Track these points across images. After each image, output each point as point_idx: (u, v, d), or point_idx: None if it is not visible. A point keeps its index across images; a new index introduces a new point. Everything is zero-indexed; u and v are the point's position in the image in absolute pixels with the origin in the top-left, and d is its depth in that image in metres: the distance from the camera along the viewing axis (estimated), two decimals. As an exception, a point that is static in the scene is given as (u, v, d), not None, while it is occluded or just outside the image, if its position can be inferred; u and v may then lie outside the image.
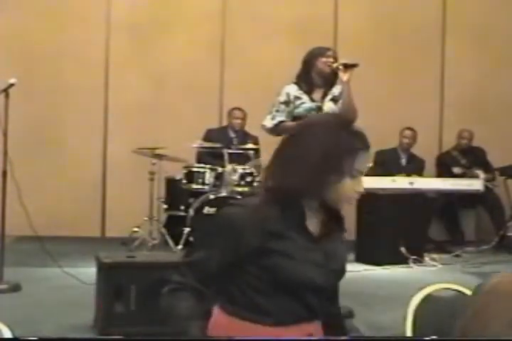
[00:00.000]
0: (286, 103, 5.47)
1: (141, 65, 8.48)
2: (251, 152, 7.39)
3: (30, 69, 8.21)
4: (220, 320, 2.15)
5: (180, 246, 6.96)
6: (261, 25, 8.59)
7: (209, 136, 7.76)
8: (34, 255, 6.43)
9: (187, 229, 7.01)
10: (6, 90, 5.47)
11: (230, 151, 7.30)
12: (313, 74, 5.47)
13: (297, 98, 5.45)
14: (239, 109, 7.87)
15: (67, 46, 8.37)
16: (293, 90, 5.49)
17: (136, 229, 7.38)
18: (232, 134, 7.83)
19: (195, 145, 7.47)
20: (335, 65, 5.36)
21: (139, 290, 4.31)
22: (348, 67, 5.33)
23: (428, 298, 2.66)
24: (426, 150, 8.38)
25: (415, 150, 8.29)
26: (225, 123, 8.26)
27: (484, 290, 1.55)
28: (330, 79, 5.45)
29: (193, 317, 2.08)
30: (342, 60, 5.39)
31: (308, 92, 5.47)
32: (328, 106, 5.45)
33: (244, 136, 7.75)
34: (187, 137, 7.49)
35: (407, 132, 8.26)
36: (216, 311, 2.18)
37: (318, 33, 8.47)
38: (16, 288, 5.42)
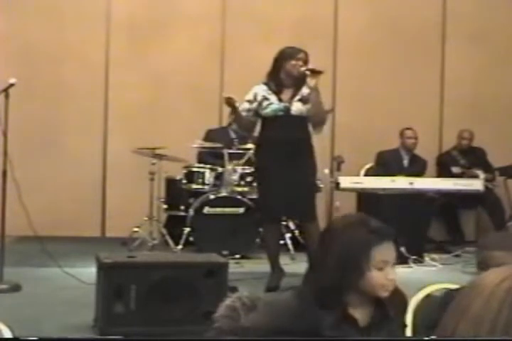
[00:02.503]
0: (250, 101, 5.51)
1: (141, 65, 8.48)
2: (251, 152, 7.39)
3: (30, 69, 8.21)
4: None
5: (180, 246, 6.96)
6: (261, 25, 8.58)
7: (210, 136, 7.75)
8: (34, 255, 6.43)
9: (187, 229, 7.01)
10: (6, 90, 5.47)
11: (231, 151, 7.30)
12: (282, 75, 5.50)
13: (265, 99, 5.47)
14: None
15: (67, 46, 8.37)
16: (261, 90, 5.52)
17: (136, 229, 7.37)
18: (233, 135, 7.83)
19: (195, 146, 7.47)
20: (302, 69, 5.38)
21: (139, 290, 4.31)
22: (314, 72, 5.36)
23: (428, 298, 2.65)
24: (426, 150, 8.37)
25: (415, 150, 8.28)
26: (225, 123, 8.26)
27: (468, 286, 1.55)
28: (299, 80, 5.47)
29: None
30: (310, 66, 5.41)
31: (277, 92, 5.49)
32: (297, 106, 5.47)
33: (245, 136, 7.74)
34: (187, 137, 7.49)
35: (409, 132, 8.16)
36: None
37: (318, 33, 8.48)
38: (16, 288, 5.41)
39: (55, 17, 8.39)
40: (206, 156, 7.61)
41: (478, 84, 8.88)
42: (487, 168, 8.40)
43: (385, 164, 8.04)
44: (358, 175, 7.97)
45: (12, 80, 5.49)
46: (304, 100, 5.46)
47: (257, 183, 5.80)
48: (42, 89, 8.31)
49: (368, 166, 8.22)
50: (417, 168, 8.09)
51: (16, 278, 5.52)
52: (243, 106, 5.53)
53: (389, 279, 2.14)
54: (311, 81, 5.35)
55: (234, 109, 5.47)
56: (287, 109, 5.45)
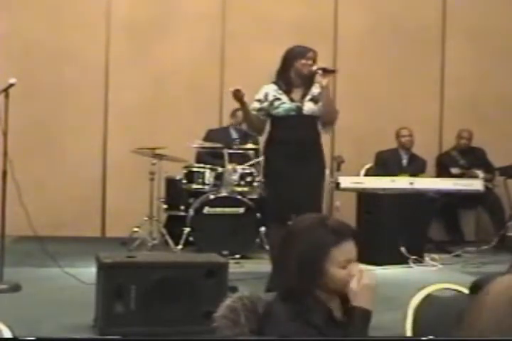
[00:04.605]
0: (260, 101, 5.48)
1: (141, 65, 8.48)
2: (251, 152, 7.40)
3: (30, 69, 8.21)
4: None
5: (180, 246, 6.96)
6: (261, 25, 8.59)
7: (210, 136, 7.75)
8: (34, 255, 6.43)
9: (187, 229, 7.01)
10: (6, 90, 5.47)
11: (230, 151, 7.30)
12: (292, 74, 5.47)
13: (277, 99, 5.45)
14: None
15: (67, 46, 8.37)
16: (272, 90, 5.49)
17: (136, 229, 7.37)
18: (234, 134, 7.82)
19: (195, 146, 7.47)
20: (313, 69, 5.37)
21: (139, 290, 4.31)
22: (326, 72, 5.34)
23: (428, 298, 2.65)
24: (426, 150, 8.38)
25: (415, 150, 8.29)
26: (225, 123, 8.26)
27: (484, 292, 1.57)
28: (308, 80, 5.45)
29: None
30: (322, 65, 5.39)
31: (287, 92, 5.47)
32: (308, 106, 5.46)
33: (246, 136, 7.74)
34: (187, 137, 7.49)
35: (403, 131, 8.21)
36: None
37: (318, 33, 8.48)
38: (16, 288, 5.41)
39: (55, 17, 8.39)
40: (206, 156, 7.61)
41: (478, 84, 8.88)
42: (487, 167, 8.41)
43: (384, 164, 8.04)
44: (358, 175, 7.98)
45: (12, 80, 5.48)
46: (315, 100, 5.45)
47: (265, 183, 5.75)
48: (42, 89, 8.31)
49: (367, 166, 8.22)
50: (416, 168, 8.10)
51: (16, 278, 5.52)
52: (253, 106, 5.49)
53: (352, 276, 2.18)
54: (323, 80, 5.32)
55: (242, 104, 5.39)
56: (299, 109, 5.43)
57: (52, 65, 8.36)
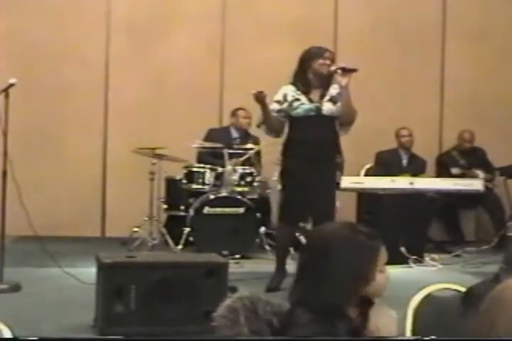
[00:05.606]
0: (279, 102, 5.45)
1: (141, 64, 8.48)
2: (251, 152, 7.39)
3: (30, 69, 8.21)
4: None
5: (180, 246, 6.96)
6: (261, 25, 8.58)
7: (211, 135, 7.74)
8: (34, 255, 6.43)
9: (187, 229, 7.01)
10: (6, 90, 5.47)
11: (231, 151, 7.30)
12: (310, 75, 5.45)
13: (296, 99, 5.43)
14: (243, 109, 7.80)
15: (67, 46, 8.37)
16: (290, 91, 5.46)
17: (136, 229, 7.37)
18: (235, 134, 7.81)
19: (195, 145, 7.46)
20: (332, 69, 5.35)
21: (139, 290, 4.31)
22: (346, 71, 5.32)
23: (428, 298, 2.66)
24: (426, 150, 8.38)
25: (415, 150, 8.29)
26: (225, 123, 8.25)
27: (492, 295, 1.57)
28: (326, 80, 5.44)
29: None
30: (341, 64, 5.38)
31: (306, 92, 5.45)
32: (327, 106, 5.44)
33: (246, 136, 7.74)
34: (187, 137, 7.48)
35: (403, 131, 8.21)
36: None
37: (318, 33, 8.47)
38: (16, 288, 5.41)
39: (55, 17, 8.39)
40: (207, 156, 7.61)
41: (478, 84, 8.88)
42: (487, 167, 8.40)
43: (384, 164, 8.04)
44: (358, 175, 7.98)
45: (12, 80, 5.48)
46: (333, 100, 5.43)
47: (281, 183, 5.70)
48: (42, 89, 8.31)
49: (368, 166, 8.22)
50: (416, 168, 8.10)
51: (16, 278, 5.52)
52: (273, 107, 5.46)
53: (387, 279, 2.15)
54: (342, 80, 5.30)
55: (264, 106, 5.34)
56: (319, 109, 5.41)
57: (52, 65, 8.36)
